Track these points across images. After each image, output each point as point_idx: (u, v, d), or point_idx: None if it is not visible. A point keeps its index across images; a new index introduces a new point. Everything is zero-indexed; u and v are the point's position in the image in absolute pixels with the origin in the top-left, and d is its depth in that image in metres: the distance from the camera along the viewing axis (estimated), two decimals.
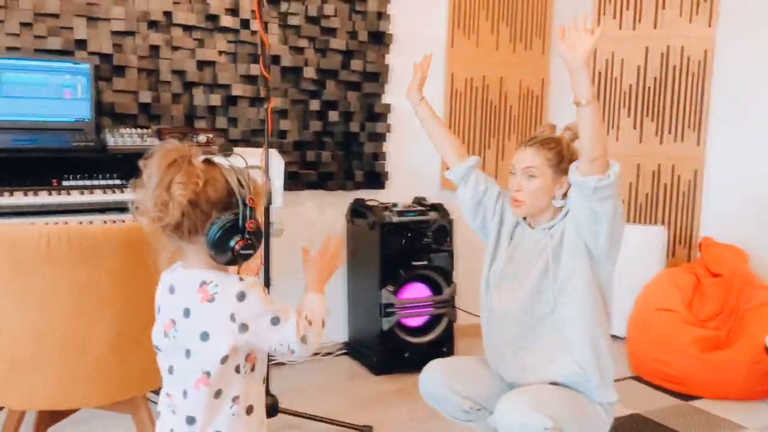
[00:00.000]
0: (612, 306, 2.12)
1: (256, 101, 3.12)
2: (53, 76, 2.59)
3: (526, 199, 2.04)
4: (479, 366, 2.20)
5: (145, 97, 2.87)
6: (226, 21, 3.00)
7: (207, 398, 1.36)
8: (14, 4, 2.62)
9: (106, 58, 2.80)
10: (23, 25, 2.64)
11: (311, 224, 3.41)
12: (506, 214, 2.20)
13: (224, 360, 1.35)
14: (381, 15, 3.35)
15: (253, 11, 3.05)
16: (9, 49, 2.62)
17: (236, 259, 1.36)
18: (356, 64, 3.31)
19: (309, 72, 3.20)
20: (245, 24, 3.05)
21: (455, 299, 3.37)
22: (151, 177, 1.32)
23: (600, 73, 3.97)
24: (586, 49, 1.75)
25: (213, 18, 2.98)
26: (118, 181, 2.58)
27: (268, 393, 2.60)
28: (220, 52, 3.01)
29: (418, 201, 3.46)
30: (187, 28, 2.94)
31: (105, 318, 1.69)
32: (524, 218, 2.17)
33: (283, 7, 3.11)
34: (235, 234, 1.34)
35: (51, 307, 1.63)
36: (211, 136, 2.73)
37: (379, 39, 3.37)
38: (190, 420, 1.37)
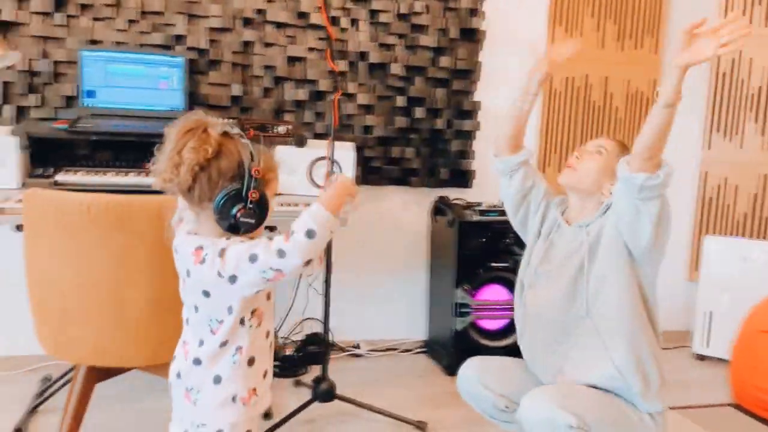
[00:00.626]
0: (659, 310, 1.96)
1: (343, 96, 3.20)
2: (151, 68, 2.82)
3: (580, 170, 1.96)
4: (517, 366, 2.13)
5: (237, 90, 3.04)
6: (316, 18, 3.10)
7: (213, 346, 1.45)
8: (123, 2, 2.89)
9: (202, 52, 3.00)
10: (130, 21, 2.90)
11: (396, 220, 3.43)
12: (549, 212, 2.14)
13: (231, 311, 1.43)
14: (474, 12, 3.31)
15: (343, 9, 3.14)
16: (117, 43, 2.88)
17: (237, 227, 1.42)
18: (445, 61, 3.29)
19: (397, 68, 3.23)
20: (334, 21, 3.14)
21: None
22: (169, 141, 1.41)
23: (724, 74, 3.66)
24: (697, 59, 1.57)
25: (303, 15, 3.10)
26: None
27: (324, 377, 2.65)
28: (310, 49, 3.12)
29: None
30: (280, 26, 3.08)
31: (141, 283, 1.81)
32: (562, 214, 2.10)
33: (374, 5, 3.17)
34: (238, 202, 1.39)
35: (92, 268, 1.78)
36: (289, 127, 2.84)
37: (471, 36, 3.33)
38: (197, 361, 1.47)
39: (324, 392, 2.64)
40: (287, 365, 3.17)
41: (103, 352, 1.87)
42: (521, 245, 3.16)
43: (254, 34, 3.05)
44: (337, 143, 2.96)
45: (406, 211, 3.45)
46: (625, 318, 1.85)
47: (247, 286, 1.40)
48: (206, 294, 1.44)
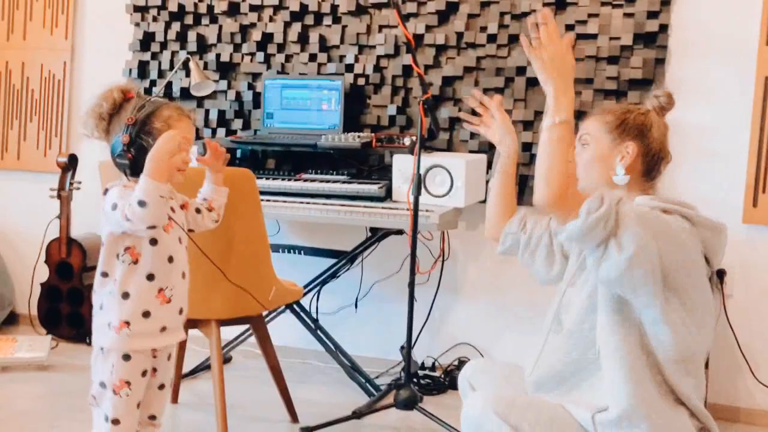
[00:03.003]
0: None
1: None
2: (315, 92, 3.22)
3: (579, 172, 1.71)
4: (520, 380, 1.85)
5: (392, 110, 3.24)
6: (471, 37, 3.14)
7: (97, 276, 1.72)
8: (309, 38, 3.38)
9: (368, 78, 3.29)
10: (311, 55, 3.37)
11: None
12: None
13: (103, 244, 1.69)
14: (655, 14, 2.92)
15: (501, 25, 3.10)
16: (300, 74, 3.37)
17: (118, 166, 1.69)
18: (613, 71, 2.96)
19: None
20: (492, 39, 3.12)
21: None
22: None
23: None
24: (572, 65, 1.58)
25: (460, 36, 3.16)
26: (337, 176, 3.04)
27: (406, 385, 2.59)
28: (466, 68, 3.16)
29: None
30: (440, 48, 3.20)
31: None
32: None
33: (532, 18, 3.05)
34: (119, 147, 1.68)
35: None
36: (413, 138, 2.92)
37: (650, 41, 2.93)
38: (94, 290, 1.76)
39: (404, 400, 2.57)
40: (430, 384, 3.14)
41: None
42: None
43: (411, 58, 3.22)
44: (452, 153, 2.94)
45: None
46: (619, 359, 1.57)
47: (110, 225, 1.66)
48: (100, 227, 1.72)
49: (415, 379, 3.14)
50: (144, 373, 1.72)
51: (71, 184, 3.50)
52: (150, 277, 1.71)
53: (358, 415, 2.62)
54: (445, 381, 3.16)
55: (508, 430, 1.53)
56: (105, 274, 1.71)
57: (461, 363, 3.24)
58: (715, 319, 1.64)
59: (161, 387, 1.81)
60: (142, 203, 1.57)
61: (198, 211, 1.88)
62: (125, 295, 1.69)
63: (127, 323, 1.68)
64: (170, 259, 1.74)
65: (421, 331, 3.25)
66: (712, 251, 1.58)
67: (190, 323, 2.26)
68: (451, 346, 3.29)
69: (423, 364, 3.27)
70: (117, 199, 1.62)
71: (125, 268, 1.69)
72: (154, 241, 1.70)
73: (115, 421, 1.69)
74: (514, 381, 1.82)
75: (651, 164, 1.69)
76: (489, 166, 3.07)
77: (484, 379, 1.85)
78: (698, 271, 1.55)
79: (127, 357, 1.69)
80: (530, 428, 1.53)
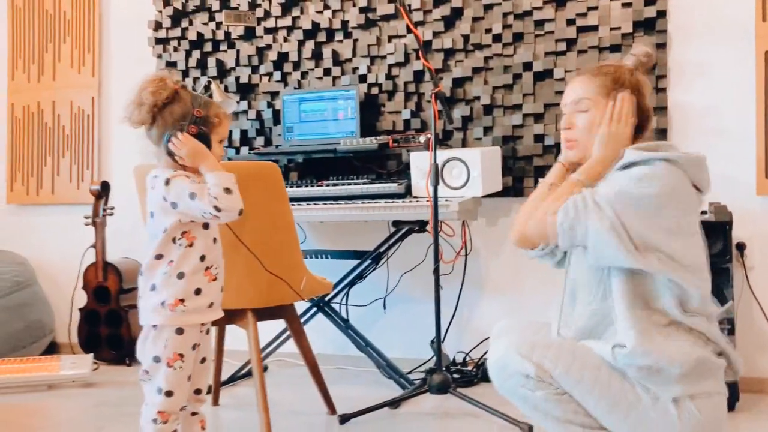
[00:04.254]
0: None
1: (514, 109, 3.24)
2: (331, 102, 3.37)
3: (580, 137, 1.79)
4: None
5: (407, 114, 3.37)
6: (477, 39, 3.28)
7: (151, 259, 1.82)
8: (320, 55, 3.54)
9: (381, 86, 3.43)
10: (325, 70, 3.53)
11: None
12: None
13: (165, 230, 1.80)
14: (651, 1, 3.04)
15: (504, 26, 3.24)
16: (315, 88, 3.53)
17: (171, 154, 1.80)
18: (614, 60, 3.06)
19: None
20: (497, 39, 3.26)
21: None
22: (137, 89, 1.85)
23: None
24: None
25: (467, 38, 3.30)
26: (358, 180, 3.15)
27: (438, 370, 2.66)
28: (474, 69, 3.29)
29: (715, 210, 2.87)
30: (448, 52, 3.34)
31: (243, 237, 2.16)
32: None
33: (536, 15, 3.19)
34: (175, 135, 1.79)
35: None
36: (429, 136, 3.04)
37: (650, 27, 3.05)
38: (141, 272, 1.86)
39: (437, 384, 2.64)
40: (461, 378, 3.19)
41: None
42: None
43: (423, 64, 3.36)
44: (467, 148, 3.04)
45: None
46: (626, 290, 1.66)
47: (184, 215, 1.77)
48: (152, 215, 1.83)
49: (448, 372, 3.19)
50: (194, 347, 1.82)
51: (105, 210, 3.65)
52: (202, 258, 1.81)
53: (393, 402, 2.68)
54: (477, 374, 3.21)
55: (530, 367, 1.60)
56: (160, 257, 1.80)
57: None
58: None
59: (203, 361, 1.90)
60: (228, 190, 1.72)
61: None
62: (180, 275, 1.79)
63: (182, 300, 1.78)
64: (214, 240, 1.85)
65: (449, 325, 3.32)
66: (699, 181, 1.66)
67: (227, 317, 2.36)
68: (480, 340, 3.33)
69: (454, 359, 3.33)
70: (193, 188, 1.73)
71: (182, 251, 1.79)
72: (206, 225, 1.82)
73: (169, 393, 1.78)
74: (542, 335, 1.89)
75: (643, 120, 1.75)
76: (503, 158, 3.18)
77: (516, 333, 1.91)
78: (685, 205, 1.63)
79: (180, 331, 1.78)
80: (552, 363, 1.60)
